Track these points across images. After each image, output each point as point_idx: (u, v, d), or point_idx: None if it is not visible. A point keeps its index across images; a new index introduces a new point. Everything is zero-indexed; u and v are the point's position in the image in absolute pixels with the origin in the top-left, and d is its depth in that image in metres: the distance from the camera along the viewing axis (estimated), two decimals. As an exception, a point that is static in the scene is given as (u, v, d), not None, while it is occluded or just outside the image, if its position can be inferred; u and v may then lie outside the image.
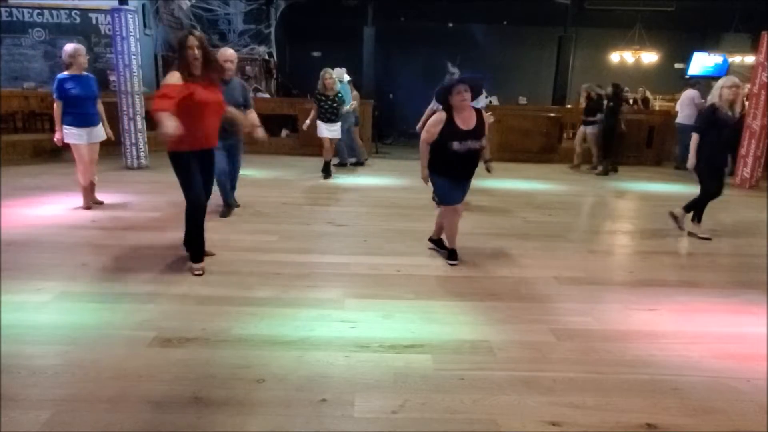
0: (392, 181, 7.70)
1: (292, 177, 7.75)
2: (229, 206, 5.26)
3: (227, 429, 2.06)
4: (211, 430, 2.06)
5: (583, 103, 9.25)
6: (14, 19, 8.73)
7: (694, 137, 4.87)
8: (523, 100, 12.57)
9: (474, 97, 3.73)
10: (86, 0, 8.99)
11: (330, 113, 7.31)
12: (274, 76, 12.20)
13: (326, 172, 7.60)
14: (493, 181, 6.85)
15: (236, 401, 2.23)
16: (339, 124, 7.44)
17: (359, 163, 8.94)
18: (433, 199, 4.62)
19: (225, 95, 4.02)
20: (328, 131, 7.41)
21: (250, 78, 11.62)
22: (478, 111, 3.78)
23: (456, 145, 3.63)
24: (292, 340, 2.78)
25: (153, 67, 10.69)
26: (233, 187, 5.39)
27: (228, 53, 4.85)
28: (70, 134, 5.07)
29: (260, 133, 4.40)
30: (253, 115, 4.69)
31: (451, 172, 3.79)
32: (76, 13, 8.92)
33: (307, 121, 7.43)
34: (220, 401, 2.23)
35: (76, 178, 5.36)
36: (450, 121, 3.66)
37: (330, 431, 2.08)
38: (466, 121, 3.68)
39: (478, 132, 3.71)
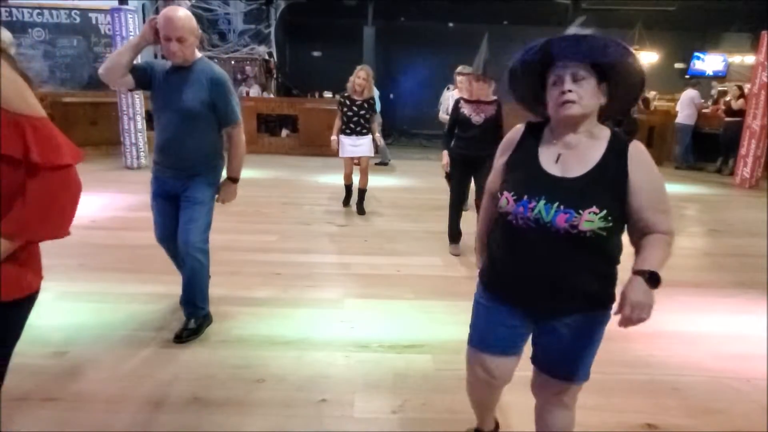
0: (392, 181, 7.69)
1: (292, 177, 7.74)
2: (200, 320, 2.84)
3: (227, 429, 2.06)
4: (211, 430, 2.05)
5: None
6: (14, 19, 8.71)
7: None
8: (523, 100, 12.56)
9: (618, 108, 1.51)
10: (86, 0, 8.99)
11: (355, 123, 5.34)
12: (274, 76, 12.19)
13: (347, 200, 5.85)
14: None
15: (236, 401, 2.23)
16: (368, 138, 5.42)
17: (383, 163, 8.73)
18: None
19: (167, 96, 2.55)
20: (351, 147, 5.41)
21: (249, 78, 11.61)
22: (618, 141, 1.44)
23: (507, 201, 1.46)
24: (292, 340, 2.78)
25: (153, 67, 10.69)
26: (188, 289, 2.80)
27: (176, 22, 2.42)
28: None
29: (225, 194, 2.76)
30: (234, 146, 2.70)
31: (497, 267, 1.58)
32: (76, 13, 8.91)
33: (333, 137, 5.48)
34: (219, 401, 2.23)
35: None
36: (529, 145, 1.53)
37: (330, 431, 2.08)
38: (569, 156, 1.45)
39: (584, 189, 1.39)
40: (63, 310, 3.05)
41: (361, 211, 5.64)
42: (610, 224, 1.36)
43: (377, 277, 3.73)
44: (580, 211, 1.35)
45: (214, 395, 2.27)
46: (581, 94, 1.38)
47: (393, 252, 4.35)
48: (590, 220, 1.34)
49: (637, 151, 1.41)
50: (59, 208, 1.18)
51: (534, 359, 1.64)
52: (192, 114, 2.56)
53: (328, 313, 3.11)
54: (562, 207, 1.37)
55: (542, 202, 1.39)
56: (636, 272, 1.33)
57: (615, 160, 1.40)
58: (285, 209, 5.69)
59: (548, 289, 1.46)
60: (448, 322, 3.05)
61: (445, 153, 4.30)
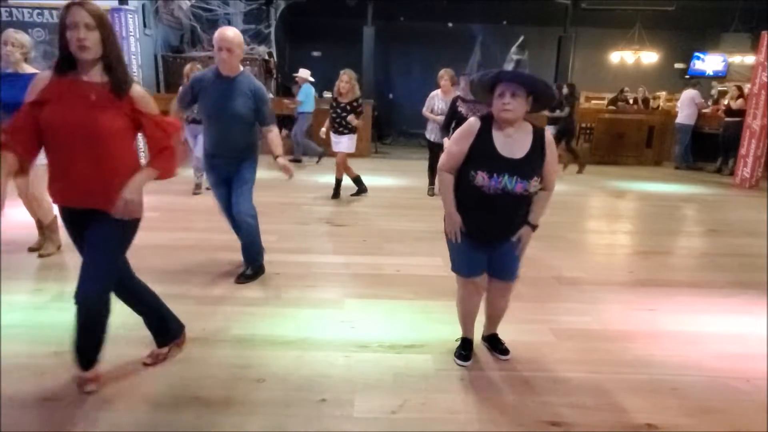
0: (392, 181, 7.69)
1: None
2: (256, 269, 3.64)
3: (227, 429, 2.06)
4: (211, 430, 2.06)
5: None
6: (14, 19, 8.70)
7: None
8: (523, 101, 12.57)
9: (538, 109, 2.34)
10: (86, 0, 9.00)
11: (338, 124, 5.99)
12: (274, 76, 12.19)
13: (336, 192, 6.36)
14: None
15: (236, 401, 2.23)
16: (348, 137, 6.05)
17: (297, 161, 9.23)
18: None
19: (220, 103, 3.25)
20: (334, 143, 6.13)
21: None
22: (539, 133, 2.29)
23: (483, 178, 2.21)
24: (292, 340, 2.78)
25: (153, 67, 10.68)
26: (246, 247, 3.57)
27: (226, 36, 3.15)
28: None
29: (285, 169, 3.43)
30: (273, 136, 3.43)
31: (470, 221, 2.36)
32: (76, 13, 8.92)
33: (323, 128, 6.33)
34: (220, 401, 2.23)
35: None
36: (485, 137, 2.26)
37: (330, 431, 2.08)
38: (512, 143, 2.24)
39: (528, 166, 2.22)
40: (63, 310, 3.03)
41: (358, 193, 6.47)
42: (541, 184, 2.29)
43: (377, 277, 3.74)
44: (529, 180, 2.21)
45: (215, 395, 2.27)
46: (515, 105, 2.17)
47: (393, 252, 4.35)
48: (535, 185, 2.24)
49: (549, 138, 2.31)
50: (173, 157, 2.20)
51: (492, 271, 2.49)
52: (242, 117, 3.27)
53: (328, 313, 3.11)
54: (518, 179, 2.20)
55: (506, 176, 2.19)
56: (527, 224, 2.37)
57: (539, 146, 2.26)
58: (284, 209, 5.68)
59: (505, 228, 2.37)
60: (448, 322, 3.04)
61: (446, 139, 4.88)
